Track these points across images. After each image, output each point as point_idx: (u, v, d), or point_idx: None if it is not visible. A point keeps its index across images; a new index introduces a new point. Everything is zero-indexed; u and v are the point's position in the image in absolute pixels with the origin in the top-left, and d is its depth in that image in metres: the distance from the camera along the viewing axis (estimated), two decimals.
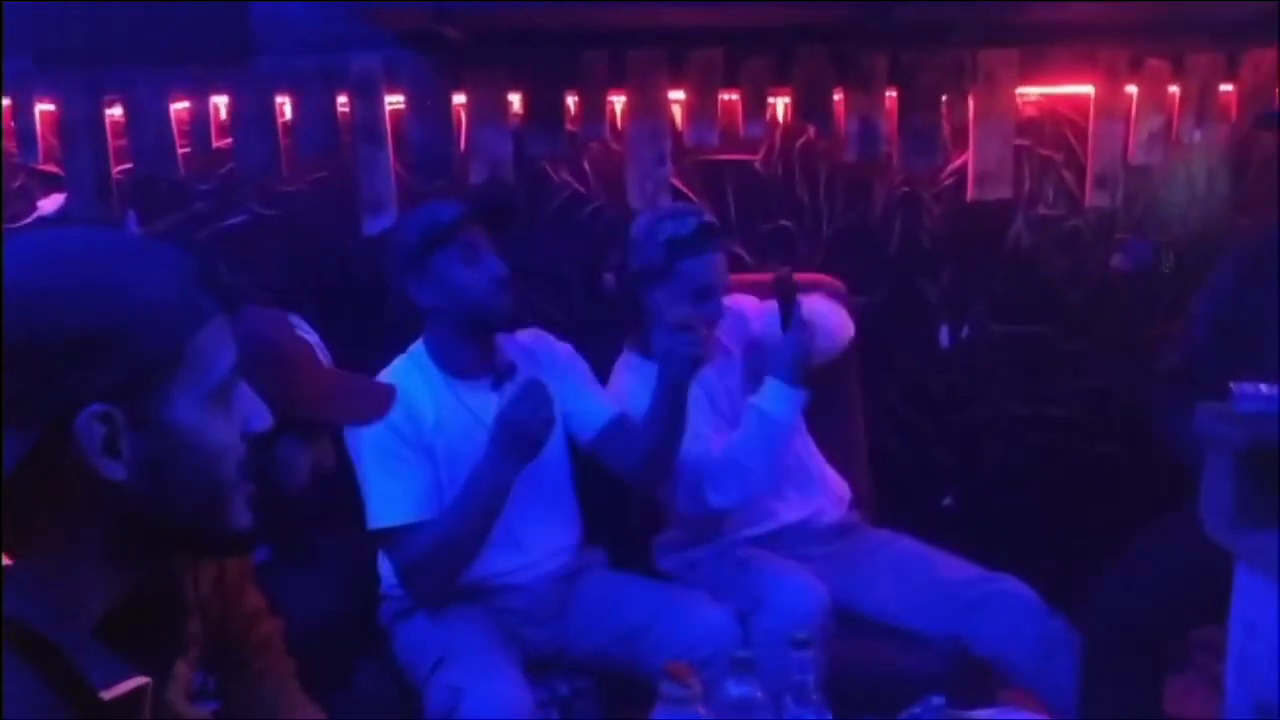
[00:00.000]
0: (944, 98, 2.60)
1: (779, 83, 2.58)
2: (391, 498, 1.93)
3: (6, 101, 2.48)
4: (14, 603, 0.74)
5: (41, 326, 0.76)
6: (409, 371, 2.03)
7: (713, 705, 1.57)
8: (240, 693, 1.40)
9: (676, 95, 2.58)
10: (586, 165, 2.63)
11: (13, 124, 2.49)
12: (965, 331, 2.73)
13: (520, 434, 1.87)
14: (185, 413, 0.81)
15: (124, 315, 0.78)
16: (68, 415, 0.76)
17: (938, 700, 1.65)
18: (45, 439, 0.76)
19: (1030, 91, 2.65)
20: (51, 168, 2.54)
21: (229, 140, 2.55)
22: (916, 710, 1.65)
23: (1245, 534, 1.49)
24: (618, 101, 2.59)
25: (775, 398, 2.08)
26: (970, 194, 2.65)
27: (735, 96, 2.58)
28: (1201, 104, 2.61)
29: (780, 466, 2.15)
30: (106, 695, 0.73)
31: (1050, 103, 2.67)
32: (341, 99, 2.55)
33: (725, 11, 2.38)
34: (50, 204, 2.55)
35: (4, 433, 0.75)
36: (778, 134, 2.64)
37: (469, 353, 2.04)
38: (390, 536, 1.94)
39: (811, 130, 2.62)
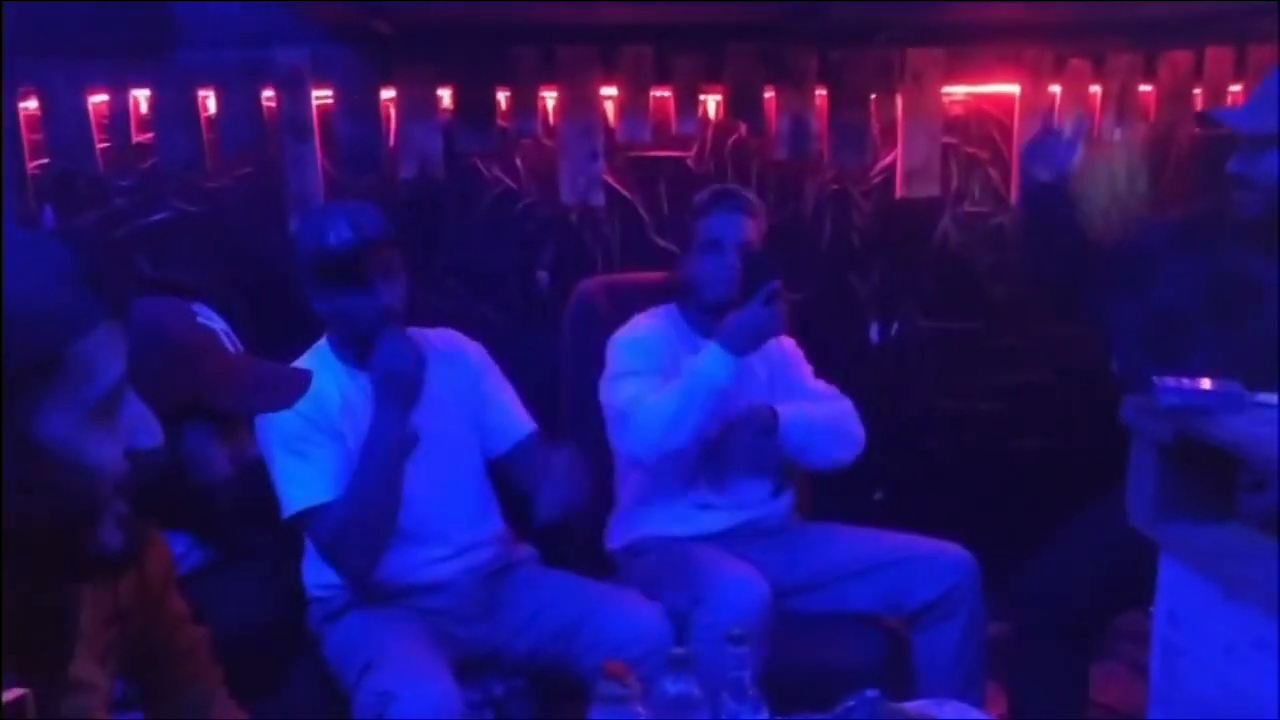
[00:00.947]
0: (873, 96, 2.63)
1: (710, 80, 2.59)
2: (302, 480, 1.92)
3: None
4: None
5: None
6: (313, 365, 2.01)
7: (650, 704, 1.56)
8: (164, 702, 1.36)
9: (609, 91, 2.57)
10: (518, 161, 2.61)
11: None
12: (895, 328, 2.77)
13: (394, 379, 1.91)
14: (59, 426, 0.76)
15: None
16: None
17: (872, 693, 1.67)
18: None
19: (957, 90, 2.69)
20: None
21: (150, 135, 2.49)
22: (851, 703, 1.66)
23: (1169, 525, 1.53)
24: (549, 97, 2.57)
25: (712, 360, 2.09)
26: (899, 191, 2.69)
27: (667, 93, 2.58)
28: (1122, 103, 2.67)
29: (706, 429, 2.14)
30: None
31: (976, 102, 2.71)
32: (267, 93, 2.50)
33: (656, 8, 2.38)
34: None
35: None
36: (710, 131, 2.64)
37: (372, 351, 2.03)
38: (307, 519, 1.93)
39: (743, 128, 2.63)
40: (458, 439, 2.07)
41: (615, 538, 2.30)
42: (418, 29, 2.45)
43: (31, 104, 2.44)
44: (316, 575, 2.03)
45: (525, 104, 2.54)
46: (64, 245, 0.80)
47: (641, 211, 2.64)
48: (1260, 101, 1.88)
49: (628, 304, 2.30)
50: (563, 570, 2.16)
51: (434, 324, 2.13)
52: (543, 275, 2.63)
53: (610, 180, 2.61)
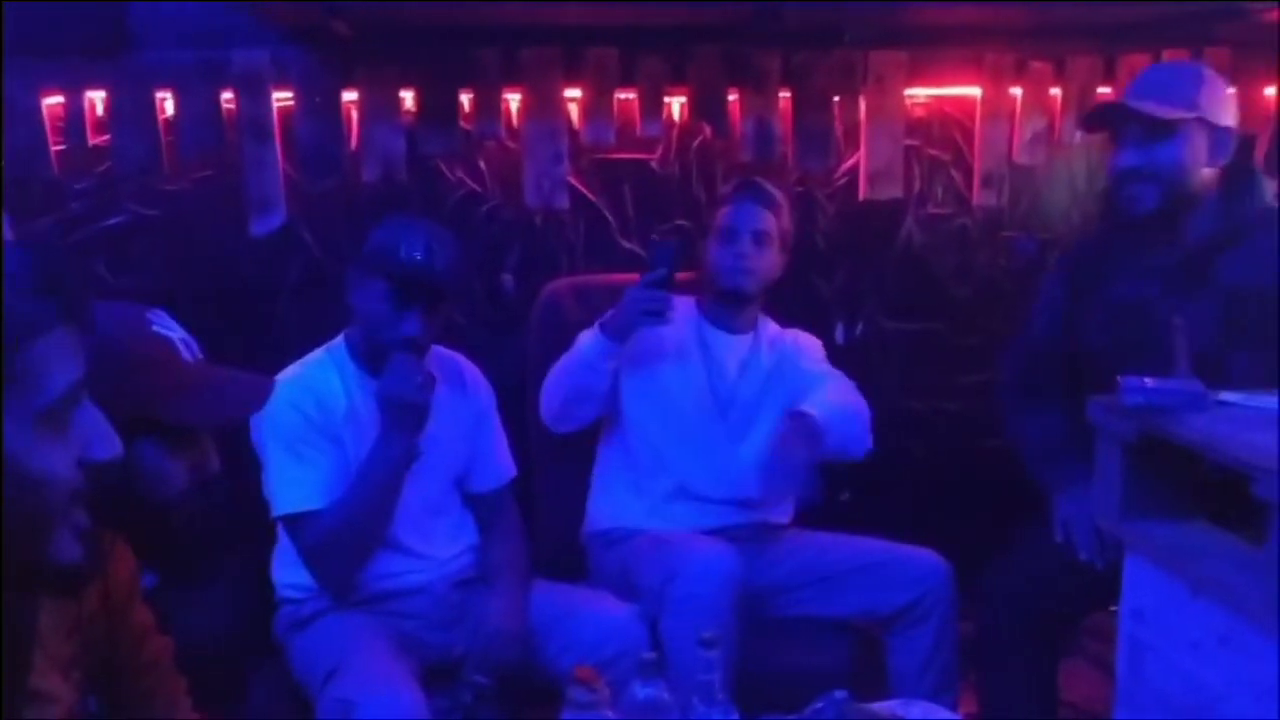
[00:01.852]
0: (836, 99, 2.64)
1: (675, 82, 2.58)
2: (299, 484, 1.91)
3: None
4: None
5: None
6: (325, 364, 2.02)
7: (620, 708, 1.56)
8: (129, 713, 1.34)
9: (573, 93, 2.56)
10: (482, 164, 2.59)
11: None
12: (860, 329, 2.78)
13: (400, 405, 1.89)
14: (8, 433, 0.74)
15: None
16: None
17: (840, 694, 1.67)
18: None
19: (919, 93, 2.71)
20: None
21: (106, 137, 2.45)
22: (820, 705, 1.67)
23: (1134, 523, 1.54)
24: (513, 99, 2.56)
25: (587, 336, 2.15)
26: (862, 193, 2.70)
27: (632, 96, 2.57)
28: (1081, 106, 2.70)
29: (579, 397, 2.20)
30: None
31: (938, 104, 2.73)
32: (226, 95, 2.46)
33: (619, 10, 2.38)
34: None
35: None
36: (674, 133, 2.64)
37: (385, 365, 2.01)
38: (296, 523, 1.92)
39: (708, 130, 2.63)
40: (447, 458, 2.07)
41: (592, 524, 2.30)
42: (379, 30, 2.43)
43: None
44: (288, 576, 2.01)
45: (489, 106, 2.53)
46: (18, 248, 0.78)
47: (606, 214, 2.63)
48: (1164, 89, 1.92)
49: (594, 306, 2.29)
50: (536, 578, 2.15)
51: None
52: (507, 278, 2.62)
53: (575, 183, 2.60)
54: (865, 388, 2.76)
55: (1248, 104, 2.44)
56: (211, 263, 2.53)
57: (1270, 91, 2.72)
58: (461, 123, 2.54)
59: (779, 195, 2.29)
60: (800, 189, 2.69)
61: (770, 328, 2.37)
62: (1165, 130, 1.89)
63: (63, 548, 0.79)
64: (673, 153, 2.65)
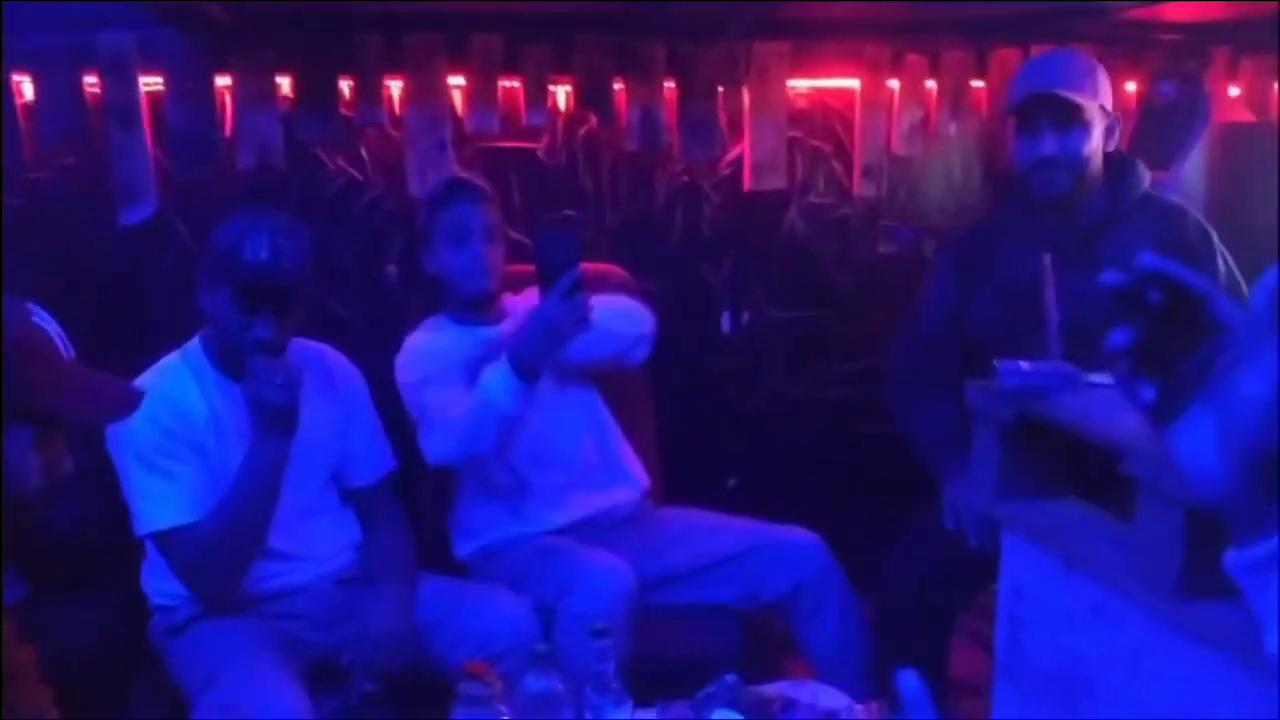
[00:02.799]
0: (720, 90, 2.66)
1: (560, 71, 2.57)
2: (164, 499, 1.84)
3: None
4: None
5: None
6: (180, 369, 1.94)
7: (513, 702, 1.55)
8: None
9: (456, 81, 2.52)
10: (363, 152, 2.53)
11: None
12: (745, 317, 2.82)
13: (268, 409, 1.83)
14: None
15: None
16: None
17: (731, 678, 1.70)
18: None
19: (801, 85, 2.75)
20: None
21: None
22: (711, 689, 1.69)
23: (1009, 504, 1.59)
24: (395, 86, 2.51)
25: (499, 384, 1.99)
26: (747, 184, 2.73)
27: (516, 84, 2.55)
28: (955, 98, 2.78)
29: (497, 441, 2.06)
30: None
31: (820, 96, 2.77)
32: (91, 79, 2.36)
33: None
34: None
35: None
36: (560, 122, 2.63)
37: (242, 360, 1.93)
38: (166, 540, 1.85)
39: (594, 119, 2.62)
40: (318, 455, 2.01)
41: (463, 546, 2.24)
42: (253, 14, 2.35)
43: None
44: (160, 585, 1.94)
45: (370, 93, 2.47)
46: None
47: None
48: (1078, 78, 2.00)
49: None
50: (423, 572, 2.12)
51: None
52: (392, 269, 2.57)
53: (459, 171, 2.56)
54: (750, 375, 2.81)
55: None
56: (78, 254, 2.42)
57: (1131, 87, 2.84)
58: (341, 109, 2.48)
59: (489, 187, 2.22)
60: (686, 179, 2.71)
61: (512, 302, 2.27)
62: (1079, 117, 1.98)
63: None
64: (559, 142, 2.63)
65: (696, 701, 1.68)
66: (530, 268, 2.21)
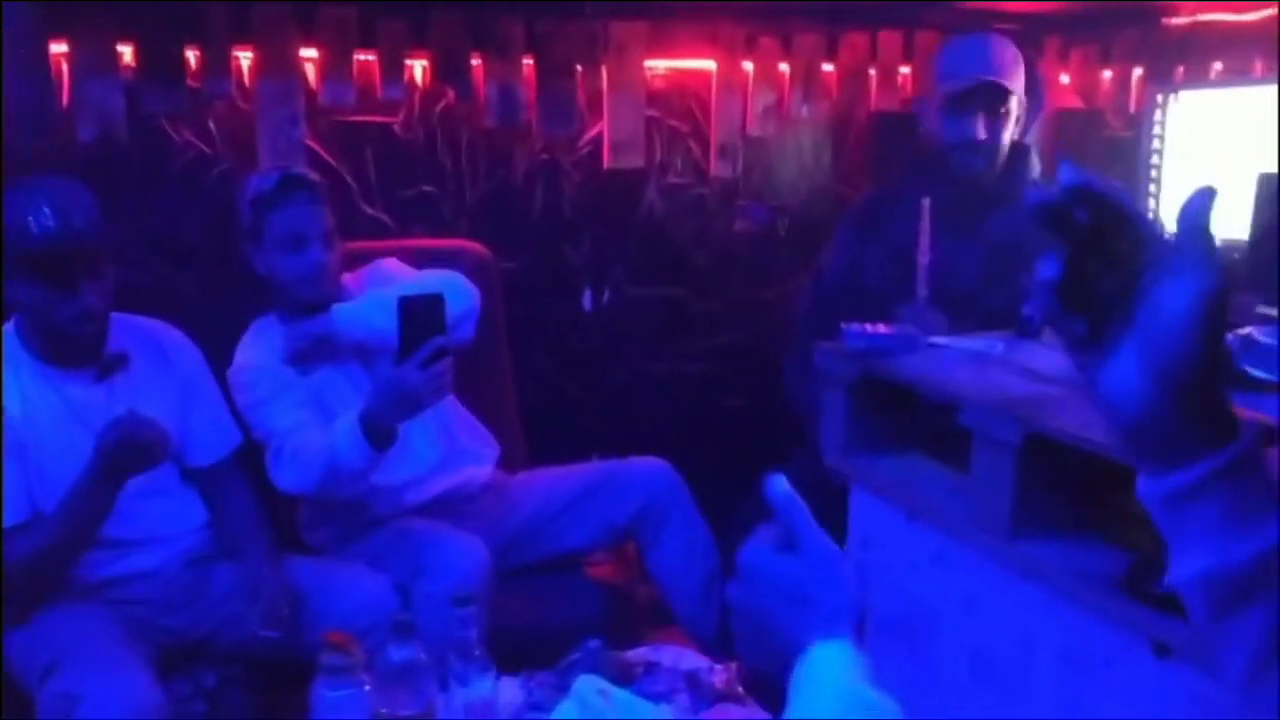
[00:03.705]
0: (578, 67, 2.68)
1: (416, 45, 2.54)
2: None
3: None
4: None
5: None
6: None
7: (375, 673, 1.54)
8: None
9: (309, 53, 2.47)
10: (212, 125, 2.46)
11: None
12: (606, 295, 2.84)
13: (121, 459, 1.72)
14: None
15: None
16: None
17: (594, 644, 1.72)
18: None
19: (659, 65, 2.78)
20: None
21: None
22: (576, 656, 1.71)
23: (857, 458, 1.66)
24: (244, 57, 2.44)
25: (346, 439, 1.92)
26: (606, 162, 2.75)
27: (372, 57, 2.51)
28: (807, 81, 2.86)
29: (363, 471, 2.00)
30: None
31: (677, 77, 2.82)
32: None
33: None
34: None
35: None
36: (417, 97, 2.60)
37: (67, 340, 1.85)
38: None
39: (451, 95, 2.60)
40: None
41: (313, 535, 2.20)
42: None
43: None
44: None
45: (217, 63, 2.39)
46: None
47: (348, 179, 2.56)
48: (1011, 66, 2.12)
49: None
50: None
51: (129, 302, 1.98)
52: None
53: (314, 145, 2.51)
54: (611, 352, 2.84)
55: None
56: None
57: None
58: (188, 80, 2.39)
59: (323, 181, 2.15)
60: (546, 157, 2.72)
61: (350, 280, 2.20)
62: (1008, 105, 2.11)
63: None
64: (416, 117, 2.60)
65: (561, 669, 1.70)
66: (376, 244, 2.18)
